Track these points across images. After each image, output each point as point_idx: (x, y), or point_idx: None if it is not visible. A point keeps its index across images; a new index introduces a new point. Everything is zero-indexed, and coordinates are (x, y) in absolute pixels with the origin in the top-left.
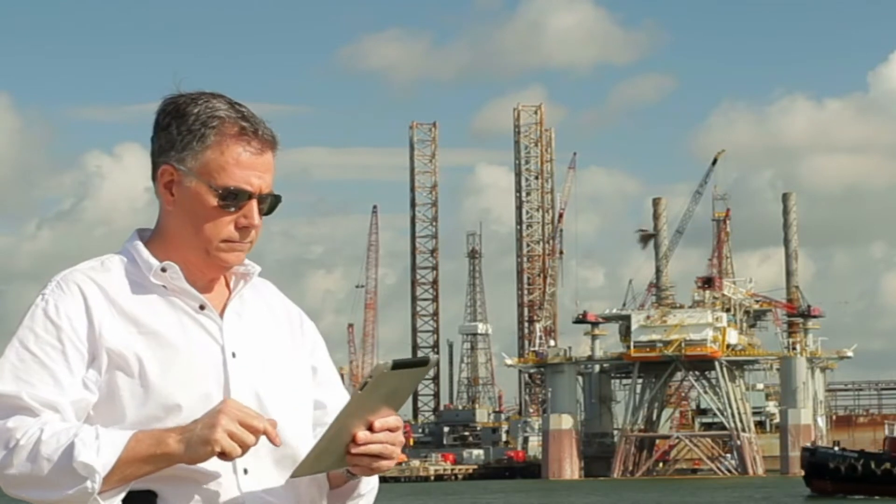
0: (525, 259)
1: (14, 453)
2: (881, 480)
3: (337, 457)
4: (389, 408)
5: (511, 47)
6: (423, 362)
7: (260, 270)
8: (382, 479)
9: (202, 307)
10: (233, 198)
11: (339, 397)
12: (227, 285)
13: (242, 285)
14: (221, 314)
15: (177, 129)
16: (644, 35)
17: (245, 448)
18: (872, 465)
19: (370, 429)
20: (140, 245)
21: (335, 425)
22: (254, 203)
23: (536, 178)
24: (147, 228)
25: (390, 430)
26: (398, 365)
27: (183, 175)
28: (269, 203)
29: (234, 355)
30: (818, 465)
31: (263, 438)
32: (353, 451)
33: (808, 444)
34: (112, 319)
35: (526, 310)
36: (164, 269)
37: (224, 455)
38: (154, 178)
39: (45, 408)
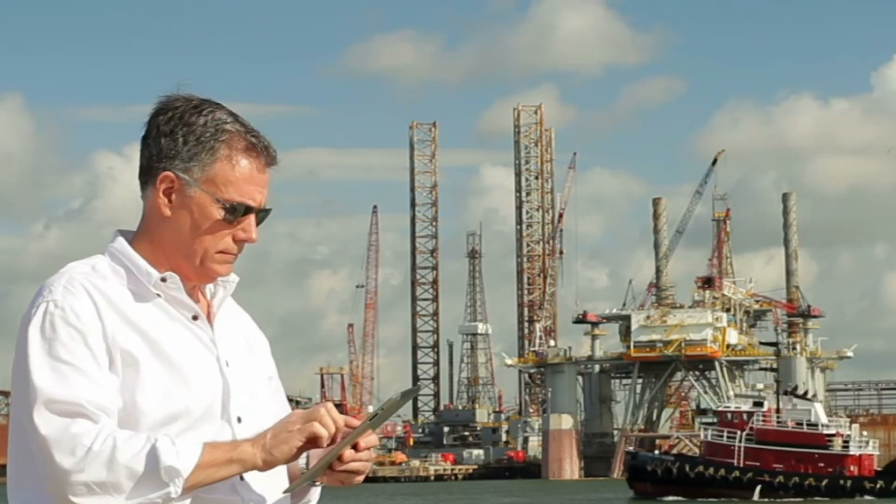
0: (525, 259)
1: (86, 459)
2: (694, 482)
3: (318, 471)
4: (372, 428)
5: (521, 49)
6: (418, 389)
7: (238, 281)
8: (384, 480)
9: (195, 317)
10: (237, 212)
11: (285, 406)
12: (202, 292)
13: (223, 295)
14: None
15: (183, 138)
16: (653, 37)
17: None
18: (687, 468)
19: (354, 447)
20: (132, 252)
21: (336, 447)
22: (252, 217)
23: (536, 178)
24: (128, 230)
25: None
26: (405, 395)
27: (185, 184)
28: (261, 217)
29: (227, 364)
30: (638, 468)
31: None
32: (338, 468)
33: (630, 449)
34: (119, 325)
35: (526, 310)
36: (163, 279)
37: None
38: (146, 180)
39: (101, 413)
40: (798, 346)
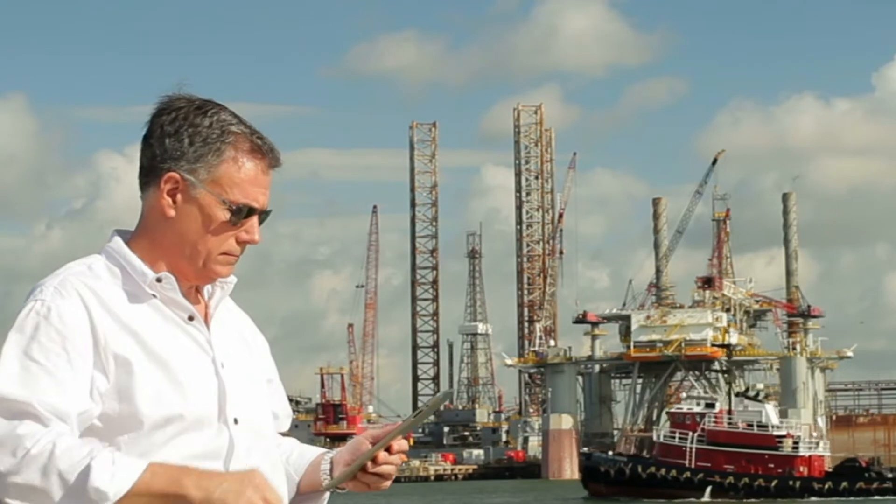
0: (525, 259)
1: (24, 462)
2: (647, 483)
3: (352, 472)
4: (413, 426)
5: (524, 50)
6: (451, 393)
7: (236, 282)
8: None
9: (191, 318)
10: (241, 213)
11: (285, 408)
12: (200, 293)
13: (220, 295)
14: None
15: (189, 139)
16: (656, 38)
17: None
18: (639, 469)
19: (388, 450)
20: (129, 252)
21: (374, 448)
22: (256, 219)
23: (536, 178)
24: (126, 230)
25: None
26: (446, 394)
27: (190, 185)
28: (262, 218)
29: (222, 366)
30: (592, 468)
31: (254, 440)
32: (372, 469)
33: (585, 450)
34: (112, 327)
35: (526, 310)
36: (158, 280)
37: None
38: (148, 181)
39: (54, 416)
40: (798, 347)
